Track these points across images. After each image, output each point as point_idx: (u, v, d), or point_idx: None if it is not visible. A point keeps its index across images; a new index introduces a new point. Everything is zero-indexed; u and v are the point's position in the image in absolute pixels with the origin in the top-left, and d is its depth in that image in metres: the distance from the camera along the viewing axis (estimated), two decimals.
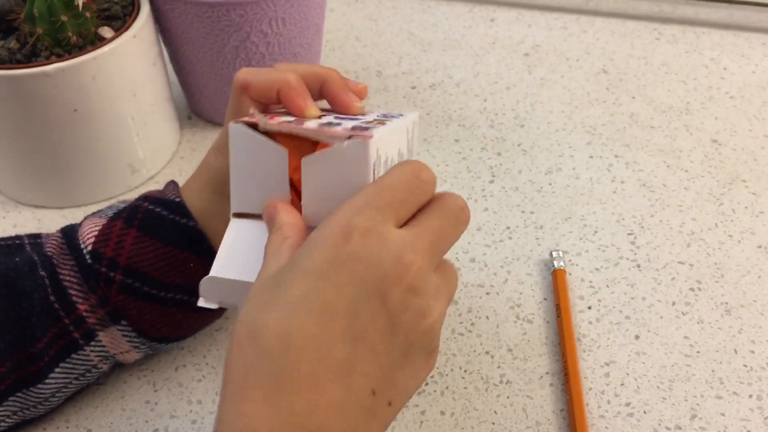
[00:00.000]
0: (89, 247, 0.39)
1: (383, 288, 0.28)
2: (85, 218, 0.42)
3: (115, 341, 0.40)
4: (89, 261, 0.39)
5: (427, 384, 0.44)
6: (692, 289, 0.49)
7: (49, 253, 0.40)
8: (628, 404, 0.43)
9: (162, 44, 0.59)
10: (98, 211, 0.42)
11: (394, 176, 0.31)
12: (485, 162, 0.60)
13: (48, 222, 0.55)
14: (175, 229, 0.40)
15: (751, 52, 0.72)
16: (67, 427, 0.42)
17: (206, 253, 0.40)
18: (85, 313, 0.39)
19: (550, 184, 0.58)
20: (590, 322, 0.47)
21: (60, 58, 0.49)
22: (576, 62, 0.71)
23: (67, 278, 0.39)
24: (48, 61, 0.49)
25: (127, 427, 0.42)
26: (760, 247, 0.52)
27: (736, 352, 0.45)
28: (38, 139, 0.51)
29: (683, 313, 0.48)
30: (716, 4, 0.78)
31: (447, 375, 0.44)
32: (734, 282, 0.50)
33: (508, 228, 0.54)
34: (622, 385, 0.44)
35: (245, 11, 0.54)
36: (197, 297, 0.39)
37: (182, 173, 0.59)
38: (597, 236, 0.53)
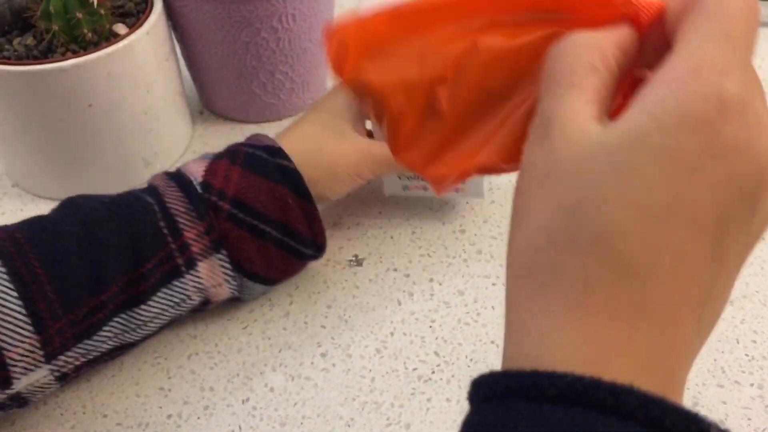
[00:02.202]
0: (200, 179, 0.44)
1: (759, 189, 0.21)
2: (187, 163, 0.46)
3: (212, 272, 0.43)
4: (200, 191, 0.43)
5: (433, 372, 0.45)
6: None
7: (156, 186, 0.44)
8: None
9: (174, 40, 0.60)
10: (198, 158, 0.46)
11: (732, 13, 0.22)
12: None
13: None
14: (276, 168, 0.44)
15: (757, 46, 0.73)
16: (84, 413, 0.43)
17: (303, 192, 0.45)
18: (190, 240, 0.42)
19: None
20: None
21: (75, 54, 0.50)
22: None
23: (174, 206, 0.43)
24: (64, 57, 0.50)
25: (142, 412, 0.43)
26: (763, 239, 0.53)
27: (738, 341, 0.46)
28: (54, 133, 0.53)
29: None
30: None
31: (453, 363, 0.45)
32: None
33: None
34: None
35: (255, 8, 0.55)
36: (291, 238, 0.45)
37: None
38: None
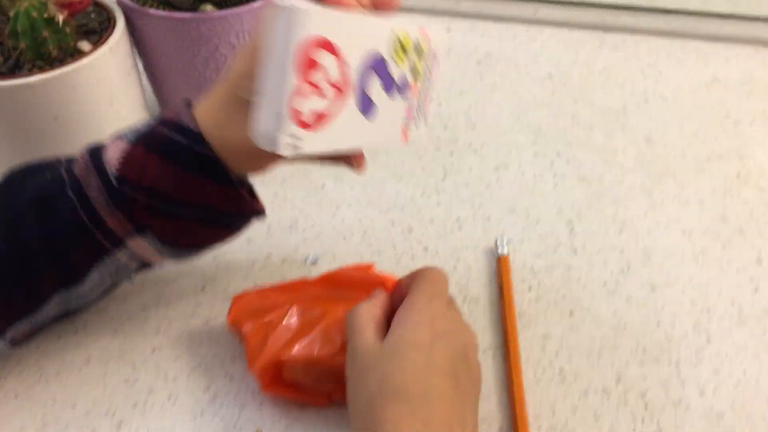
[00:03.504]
0: (115, 172, 0.43)
1: (465, 352, 0.41)
2: (110, 140, 0.45)
3: (141, 248, 0.45)
4: (115, 184, 0.43)
5: None
6: (622, 271, 0.54)
7: (77, 174, 0.44)
8: (561, 371, 0.47)
9: (136, 56, 0.63)
10: (121, 134, 0.45)
11: (434, 276, 0.44)
12: (438, 161, 0.65)
13: None
14: (193, 158, 0.43)
15: (684, 57, 0.78)
16: (54, 404, 0.46)
17: (221, 177, 0.43)
18: (113, 227, 0.44)
19: (498, 180, 0.63)
20: (530, 302, 0.52)
21: (42, 70, 0.53)
22: (524, 69, 0.77)
23: (95, 196, 0.43)
24: (30, 73, 0.53)
25: (109, 402, 0.46)
26: (683, 232, 0.57)
27: (658, 324, 0.51)
28: (21, 145, 0.55)
29: (613, 292, 0.53)
30: (654, 13, 0.84)
31: None
32: (659, 264, 0.55)
33: (458, 219, 0.59)
34: (557, 355, 0.49)
35: (214, 25, 0.59)
36: (215, 213, 0.45)
37: None
38: (539, 226, 0.58)
